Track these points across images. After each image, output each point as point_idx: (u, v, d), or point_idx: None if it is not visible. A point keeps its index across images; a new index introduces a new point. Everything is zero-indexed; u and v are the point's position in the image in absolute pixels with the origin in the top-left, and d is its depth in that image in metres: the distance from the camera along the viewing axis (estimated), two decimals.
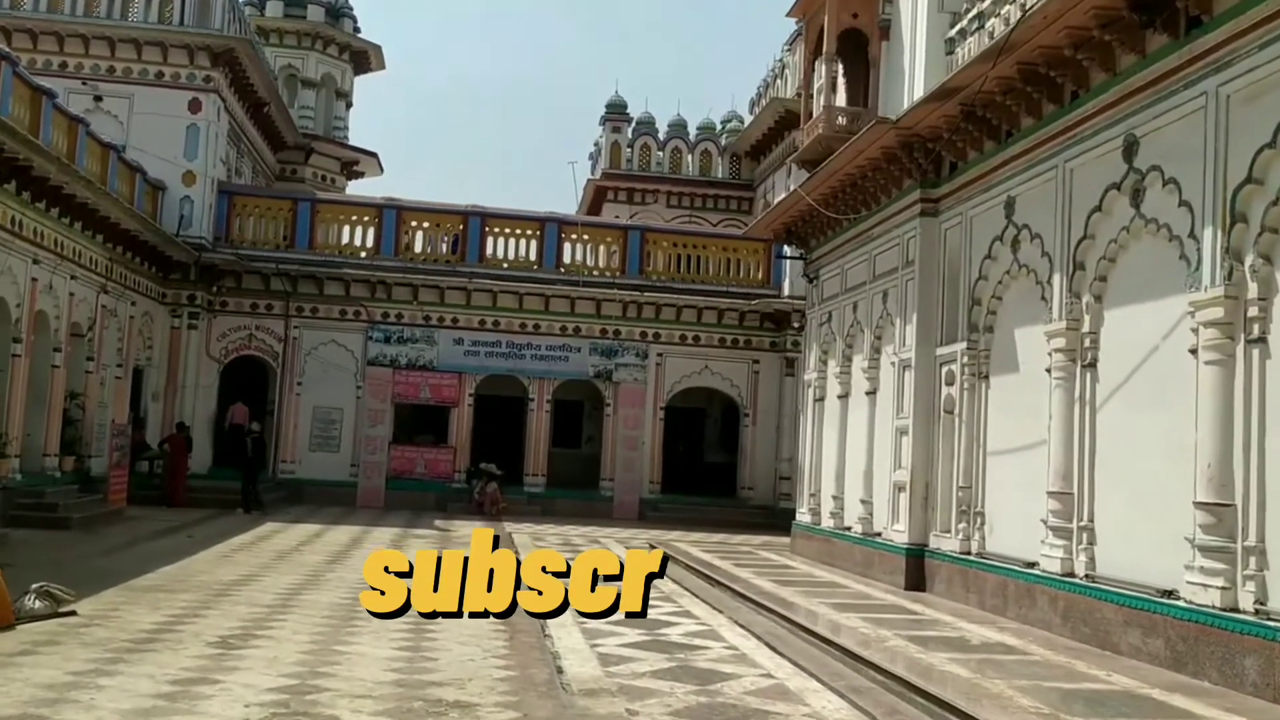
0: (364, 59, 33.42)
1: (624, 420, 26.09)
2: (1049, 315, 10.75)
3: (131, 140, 22.63)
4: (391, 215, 25.94)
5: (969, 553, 12.23)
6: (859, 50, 15.83)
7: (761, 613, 11.53)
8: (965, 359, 12.51)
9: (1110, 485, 9.83)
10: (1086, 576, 9.90)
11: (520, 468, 26.15)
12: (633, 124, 31.06)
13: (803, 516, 17.64)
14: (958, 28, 13.15)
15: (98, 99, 23.36)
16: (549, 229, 26.35)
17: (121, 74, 23.93)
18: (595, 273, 26.33)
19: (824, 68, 15.54)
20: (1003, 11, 11.96)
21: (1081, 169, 10.36)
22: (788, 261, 26.15)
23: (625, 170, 30.75)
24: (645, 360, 26.33)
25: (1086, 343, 10.18)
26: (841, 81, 16.01)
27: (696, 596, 12.84)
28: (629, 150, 30.91)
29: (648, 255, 26.63)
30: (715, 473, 28.67)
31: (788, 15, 16.98)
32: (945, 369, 13.05)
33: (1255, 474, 7.95)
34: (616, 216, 29.66)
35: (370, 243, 25.86)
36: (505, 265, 26.03)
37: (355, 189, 33.84)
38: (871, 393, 15.04)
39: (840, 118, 15.18)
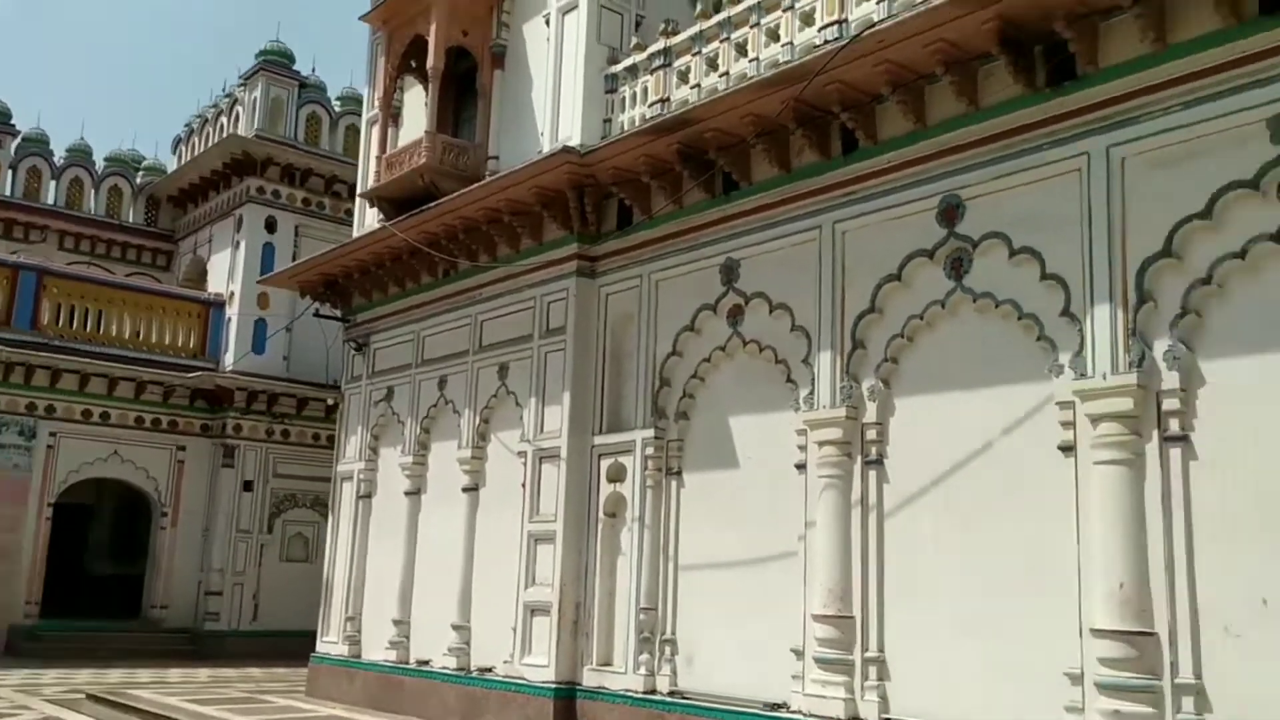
0: None
1: None
2: (806, 401, 9.00)
3: None
4: None
5: (656, 691, 9.82)
6: (454, 75, 13.17)
7: None
8: (649, 450, 10.25)
9: (904, 607, 8.22)
10: None
11: None
12: (18, 139, 24.21)
13: (331, 647, 13.71)
14: (627, 62, 11.19)
15: None
16: None
17: None
18: None
19: (430, 89, 12.54)
20: (730, 39, 10.26)
21: (863, 231, 8.86)
22: (231, 328, 21.92)
23: (3, 196, 23.74)
24: (33, 441, 20.05)
25: (871, 435, 8.58)
26: (420, 110, 13.12)
27: None
28: (10, 172, 23.98)
29: (43, 306, 20.55)
30: (106, 588, 22.72)
31: (362, 19, 13.67)
32: (609, 462, 10.66)
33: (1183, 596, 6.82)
34: None
35: None
36: None
37: None
38: (473, 489, 12.06)
39: (449, 150, 12.28)
